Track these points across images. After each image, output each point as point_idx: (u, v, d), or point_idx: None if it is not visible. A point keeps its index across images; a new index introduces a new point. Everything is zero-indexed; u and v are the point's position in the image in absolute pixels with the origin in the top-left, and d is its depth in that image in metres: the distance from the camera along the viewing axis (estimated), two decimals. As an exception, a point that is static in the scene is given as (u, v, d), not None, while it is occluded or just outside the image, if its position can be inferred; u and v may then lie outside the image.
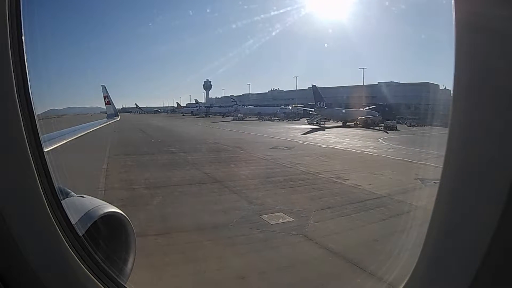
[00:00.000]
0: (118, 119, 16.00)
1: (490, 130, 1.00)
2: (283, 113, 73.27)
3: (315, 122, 55.45)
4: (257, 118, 72.07)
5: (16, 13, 1.43)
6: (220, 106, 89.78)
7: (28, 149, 1.43)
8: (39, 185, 1.47)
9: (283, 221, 9.53)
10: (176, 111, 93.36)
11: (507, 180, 0.92)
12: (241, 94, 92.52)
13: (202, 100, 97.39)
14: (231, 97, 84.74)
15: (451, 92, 1.09)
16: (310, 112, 61.02)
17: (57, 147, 5.14)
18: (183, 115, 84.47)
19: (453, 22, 1.04)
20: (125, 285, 1.90)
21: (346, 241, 8.16)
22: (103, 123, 13.34)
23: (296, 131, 42.35)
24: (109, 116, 15.84)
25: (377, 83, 74.32)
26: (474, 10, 1.02)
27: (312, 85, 57.79)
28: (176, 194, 12.44)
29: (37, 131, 1.52)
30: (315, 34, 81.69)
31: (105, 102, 17.04)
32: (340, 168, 17.46)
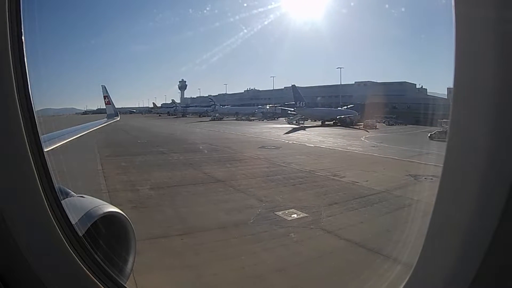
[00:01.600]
0: (118, 119, 15.74)
1: (490, 130, 1.00)
2: (261, 112, 73.92)
3: (295, 122, 56.53)
4: (235, 118, 72.16)
5: (16, 13, 1.43)
6: (196, 106, 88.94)
7: (28, 149, 1.44)
8: (39, 185, 1.47)
9: (298, 216, 9.99)
10: (152, 111, 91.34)
11: (507, 180, 0.93)
12: (217, 94, 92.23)
13: (177, 100, 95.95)
14: (209, 97, 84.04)
15: (452, 92, 1.10)
16: (289, 112, 62.05)
17: (57, 147, 5.17)
18: (159, 115, 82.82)
19: (453, 22, 1.05)
20: (125, 285, 1.90)
21: (361, 232, 8.72)
22: (103, 123, 13.14)
23: (277, 130, 43.00)
24: (109, 116, 15.56)
25: (354, 82, 76.02)
26: (474, 10, 1.02)
27: (292, 85, 58.82)
28: (184, 194, 12.54)
29: (37, 131, 1.52)
30: (292, 34, 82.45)
31: (105, 102, 16.70)
32: (333, 166, 17.91)
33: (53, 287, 1.49)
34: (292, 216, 10.05)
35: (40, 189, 1.47)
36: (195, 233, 8.66)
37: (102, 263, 1.75)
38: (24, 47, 1.47)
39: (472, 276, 1.00)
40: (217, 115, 70.76)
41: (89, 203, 2.35)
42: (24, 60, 1.47)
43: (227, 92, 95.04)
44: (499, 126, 0.97)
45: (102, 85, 17.78)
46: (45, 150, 1.61)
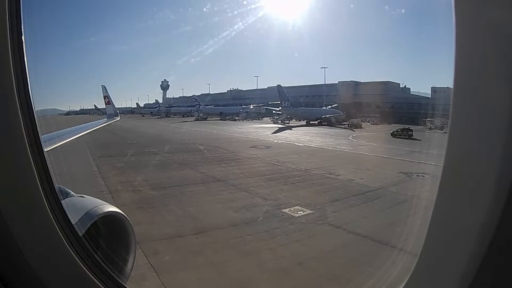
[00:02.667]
0: (118, 119, 15.56)
1: (490, 130, 1.00)
2: (245, 112, 74.33)
3: (280, 121, 57.17)
4: (219, 118, 72.05)
5: (16, 13, 1.43)
6: (179, 106, 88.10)
7: (28, 149, 1.43)
8: (39, 185, 1.47)
9: (305, 213, 10.37)
10: (134, 111, 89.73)
11: (507, 180, 0.92)
12: (199, 94, 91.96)
13: (159, 100, 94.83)
14: (193, 97, 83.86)
15: (452, 92, 1.10)
16: (274, 112, 62.66)
17: (57, 147, 5.17)
18: (143, 115, 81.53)
19: (453, 22, 1.05)
20: (125, 285, 1.90)
21: (367, 226, 9.24)
22: (103, 123, 13.00)
23: (264, 130, 43.48)
24: (109, 116, 15.39)
25: (337, 82, 77.06)
26: (474, 10, 1.02)
27: (278, 85, 59.50)
28: (188, 193, 12.64)
29: (37, 131, 1.51)
30: (275, 34, 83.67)
31: (105, 102, 16.50)
32: (327, 165, 18.37)
33: (53, 287, 1.48)
34: (299, 213, 10.41)
35: (40, 189, 1.47)
36: (209, 232, 8.85)
37: (102, 263, 1.75)
38: (24, 47, 1.46)
39: (472, 276, 0.99)
40: (201, 115, 70.70)
41: (89, 203, 2.34)
42: (24, 60, 1.45)
43: (210, 92, 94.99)
44: (499, 126, 0.96)
45: (102, 85, 17.76)
46: (45, 150, 1.60)
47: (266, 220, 9.75)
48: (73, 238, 1.60)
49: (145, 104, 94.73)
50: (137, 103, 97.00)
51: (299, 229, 9.13)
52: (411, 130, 33.65)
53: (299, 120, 57.65)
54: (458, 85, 1.07)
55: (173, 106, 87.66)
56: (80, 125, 10.49)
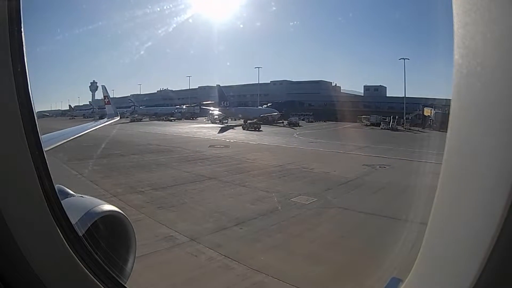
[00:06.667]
0: (118, 118, 14.50)
1: (490, 130, 0.98)
2: (179, 112, 73.36)
3: (218, 121, 57.95)
4: (154, 119, 69.35)
5: (16, 13, 1.42)
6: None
7: (28, 149, 1.43)
8: (39, 185, 1.46)
9: (312, 201, 11.53)
10: (65, 114, 79.80)
11: (507, 180, 0.91)
12: (129, 94, 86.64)
13: (85, 102, 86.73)
14: (129, 98, 78.94)
15: (451, 91, 1.08)
16: (211, 112, 63.10)
17: (57, 146, 5.21)
18: (73, 118, 72.70)
19: (453, 22, 1.05)
20: (125, 285, 1.91)
21: (368, 207, 10.90)
22: (103, 123, 12.39)
23: (208, 130, 43.90)
24: (109, 116, 14.26)
25: (269, 81, 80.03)
26: (474, 9, 1.01)
27: (217, 85, 59.95)
28: (192, 191, 12.80)
29: (37, 131, 1.51)
30: (203, 34, 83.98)
31: (105, 102, 15.08)
32: (295, 161, 19.47)
33: (53, 287, 1.48)
34: (307, 201, 11.80)
35: (40, 189, 1.46)
36: (247, 222, 9.48)
37: (102, 263, 1.76)
38: (24, 47, 1.45)
39: (472, 277, 0.98)
40: (136, 116, 66.91)
41: (89, 203, 2.34)
42: (24, 60, 1.44)
43: (141, 93, 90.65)
44: (499, 126, 0.95)
45: (102, 85, 16.32)
46: (45, 150, 1.61)
47: (286, 209, 10.84)
48: (73, 238, 1.60)
49: (75, 106, 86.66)
50: (69, 105, 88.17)
51: (318, 213, 10.46)
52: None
53: (235, 120, 58.94)
54: (458, 85, 1.06)
55: (103, 108, 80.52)
56: (81, 125, 10.26)
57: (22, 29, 1.44)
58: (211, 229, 9.05)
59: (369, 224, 9.58)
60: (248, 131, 42.01)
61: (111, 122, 14.21)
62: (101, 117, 72.06)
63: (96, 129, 11.09)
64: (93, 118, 70.00)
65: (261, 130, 43.42)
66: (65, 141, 6.31)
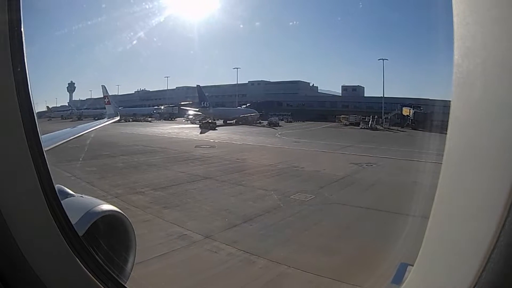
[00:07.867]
0: (118, 118, 14.18)
1: (490, 129, 0.98)
2: (158, 113, 72.46)
3: (198, 121, 57.58)
4: (130, 119, 67.93)
5: (16, 13, 1.42)
6: (87, 108, 79.63)
7: (28, 149, 1.43)
8: (39, 185, 1.47)
9: (311, 197, 11.91)
10: (44, 115, 75.72)
11: (507, 180, 0.91)
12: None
13: (63, 103, 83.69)
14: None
15: (452, 91, 1.08)
16: (191, 112, 62.54)
17: (57, 146, 5.22)
18: (50, 119, 69.10)
19: (453, 22, 1.05)
20: (125, 285, 1.92)
21: (363, 202, 11.45)
22: (102, 123, 12.25)
23: (189, 130, 43.64)
24: (109, 116, 13.95)
25: (247, 81, 79.80)
26: (474, 9, 1.01)
27: (197, 85, 59.35)
28: (192, 191, 12.82)
29: (37, 131, 1.51)
30: (182, 34, 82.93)
31: (105, 102, 14.67)
32: (284, 160, 19.73)
33: (53, 287, 1.48)
34: (306, 198, 12.11)
35: (40, 189, 1.47)
36: (255, 219, 9.74)
37: (102, 263, 1.76)
38: (24, 46, 1.45)
39: (472, 278, 0.98)
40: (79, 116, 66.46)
41: (89, 203, 2.34)
42: (24, 60, 1.44)
43: (118, 93, 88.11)
44: (499, 126, 0.94)
45: (102, 85, 15.79)
46: (45, 150, 1.61)
47: (288, 206, 11.12)
48: (73, 238, 1.60)
49: (53, 107, 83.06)
50: (47, 106, 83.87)
51: (319, 209, 10.87)
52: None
53: (214, 120, 58.86)
54: (458, 85, 1.06)
55: (81, 109, 78.14)
56: (81, 125, 10.30)
57: (22, 29, 1.45)
58: (221, 226, 9.31)
59: (369, 218, 10.20)
60: (230, 132, 42.07)
61: (111, 122, 14.00)
62: (79, 118, 70.05)
63: (96, 129, 11.03)
64: (71, 119, 67.60)
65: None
66: (65, 140, 6.31)
